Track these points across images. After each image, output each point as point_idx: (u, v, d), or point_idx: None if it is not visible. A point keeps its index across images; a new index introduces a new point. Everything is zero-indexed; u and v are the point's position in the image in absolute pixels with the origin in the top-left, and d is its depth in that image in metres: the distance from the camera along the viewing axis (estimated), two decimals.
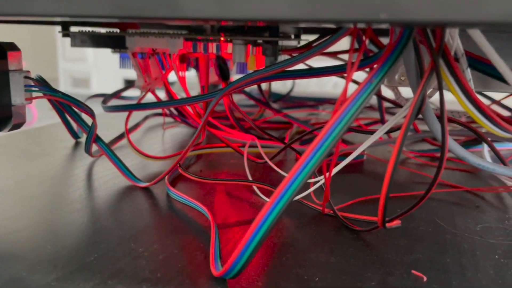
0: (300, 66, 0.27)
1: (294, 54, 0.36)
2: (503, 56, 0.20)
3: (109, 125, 0.53)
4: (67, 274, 0.21)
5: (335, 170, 0.27)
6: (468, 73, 0.22)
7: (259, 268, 0.22)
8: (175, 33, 0.37)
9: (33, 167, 0.37)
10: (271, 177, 0.36)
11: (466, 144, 0.44)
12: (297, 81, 0.77)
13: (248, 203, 0.31)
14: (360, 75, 0.40)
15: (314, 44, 0.33)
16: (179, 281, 0.20)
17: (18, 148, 0.44)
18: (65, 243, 0.24)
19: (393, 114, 0.57)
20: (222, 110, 0.57)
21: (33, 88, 0.30)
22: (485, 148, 0.38)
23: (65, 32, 0.39)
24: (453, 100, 0.21)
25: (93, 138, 0.34)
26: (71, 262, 0.22)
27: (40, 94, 0.31)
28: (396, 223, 0.25)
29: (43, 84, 0.31)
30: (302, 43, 0.43)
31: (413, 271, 0.22)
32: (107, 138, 0.43)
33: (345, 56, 0.47)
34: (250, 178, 0.35)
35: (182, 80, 0.43)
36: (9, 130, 0.29)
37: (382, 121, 0.48)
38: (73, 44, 0.39)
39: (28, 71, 0.30)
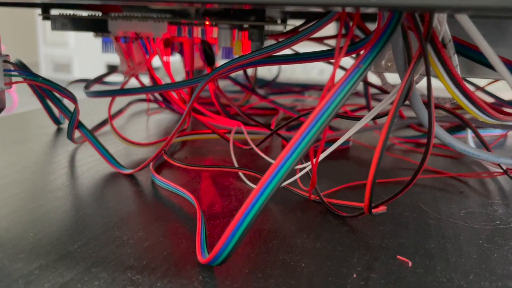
0: (287, 52, 0.27)
1: (280, 39, 0.36)
2: (489, 42, 0.20)
3: (91, 111, 0.52)
4: (49, 262, 0.20)
5: (321, 157, 0.27)
6: (455, 59, 0.22)
7: (246, 254, 0.22)
8: (159, 17, 0.36)
9: (13, 154, 0.36)
10: (257, 164, 0.36)
11: (451, 130, 0.45)
12: (283, 67, 0.76)
13: (234, 189, 0.31)
14: (348, 61, 0.39)
15: (301, 29, 0.33)
16: (164, 269, 0.20)
17: None
18: (48, 231, 0.23)
19: (379, 100, 0.57)
20: (207, 96, 0.56)
21: (13, 73, 0.29)
22: (469, 134, 0.39)
23: (45, 15, 0.38)
24: (437, 86, 0.21)
25: (76, 124, 0.33)
26: (54, 250, 0.21)
27: (20, 79, 0.30)
28: (382, 209, 0.25)
29: (23, 69, 0.30)
30: (289, 28, 0.42)
31: (398, 256, 0.22)
32: (90, 124, 0.42)
33: (332, 42, 0.47)
34: (236, 165, 0.34)
35: (166, 65, 0.42)
36: None
37: (368, 107, 0.48)
38: (54, 28, 0.38)
39: (7, 55, 0.29)
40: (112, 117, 0.45)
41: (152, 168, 0.32)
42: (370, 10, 0.18)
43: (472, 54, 0.23)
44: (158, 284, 0.19)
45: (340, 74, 0.19)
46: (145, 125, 0.49)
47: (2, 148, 0.38)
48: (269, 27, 0.36)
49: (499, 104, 0.46)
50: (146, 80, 0.51)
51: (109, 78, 0.51)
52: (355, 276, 0.20)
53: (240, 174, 0.33)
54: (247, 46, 0.35)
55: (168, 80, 0.45)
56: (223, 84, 0.71)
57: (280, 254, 0.22)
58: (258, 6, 0.28)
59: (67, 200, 0.28)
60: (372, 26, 0.26)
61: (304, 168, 0.29)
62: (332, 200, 0.28)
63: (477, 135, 0.32)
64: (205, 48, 0.42)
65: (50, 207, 0.26)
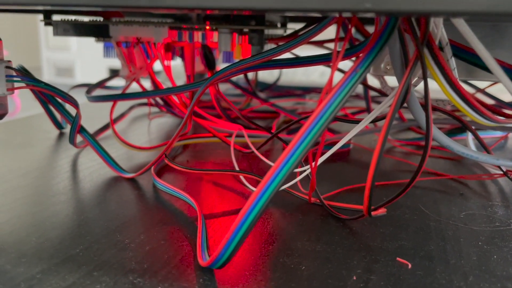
0: (287, 56, 0.27)
1: (280, 43, 0.36)
2: (487, 45, 0.20)
3: (93, 116, 0.52)
4: (52, 266, 0.21)
5: (321, 160, 0.27)
6: (453, 62, 0.22)
7: (246, 257, 0.22)
8: (160, 22, 0.37)
9: (16, 159, 0.37)
10: (258, 167, 0.36)
11: (451, 133, 0.45)
12: (284, 70, 0.76)
13: (235, 193, 0.31)
14: (347, 64, 0.40)
15: (300, 33, 0.33)
16: (166, 272, 0.20)
17: (0, 139, 0.43)
18: (50, 235, 0.24)
19: (379, 103, 0.57)
20: (208, 99, 0.57)
21: (15, 78, 0.30)
22: (469, 136, 0.39)
23: (47, 21, 0.38)
24: (438, 88, 0.21)
25: (78, 128, 0.33)
26: (56, 254, 0.22)
27: (22, 84, 0.31)
28: (382, 211, 0.25)
29: (25, 74, 0.30)
30: (289, 32, 0.43)
31: (398, 258, 0.22)
32: (91, 129, 0.42)
33: (332, 45, 0.47)
34: (237, 168, 0.35)
35: (167, 69, 0.42)
36: None
37: (368, 110, 0.48)
38: (56, 33, 0.38)
39: (10, 61, 0.30)
40: (113, 121, 0.45)
41: (154, 172, 0.32)
42: (367, 15, 0.18)
43: (469, 57, 0.23)
44: (159, 287, 0.19)
45: (339, 77, 0.19)
46: (147, 129, 0.49)
47: (5, 152, 0.39)
48: (269, 31, 0.37)
49: (499, 106, 0.47)
50: (147, 84, 0.51)
51: (111, 83, 0.51)
52: (355, 278, 0.20)
53: (241, 177, 0.33)
54: (247, 50, 0.36)
55: (169, 84, 0.45)
56: (224, 87, 0.71)
57: (281, 256, 0.22)
58: (257, 12, 0.29)
59: (69, 204, 0.28)
60: (372, 30, 0.26)
61: (304, 171, 0.29)
62: (333, 203, 0.28)
63: (477, 137, 0.32)
64: (206, 52, 0.42)
65: (53, 211, 0.27)
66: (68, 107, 0.34)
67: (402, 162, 0.39)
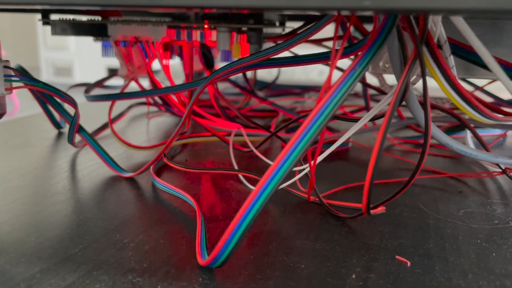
0: (285, 54, 0.27)
1: (279, 42, 0.36)
2: (485, 43, 0.20)
3: (92, 115, 0.52)
4: (51, 266, 0.21)
5: (320, 158, 0.27)
6: (451, 60, 0.22)
7: (245, 256, 0.22)
8: (158, 21, 0.37)
9: (15, 159, 0.37)
10: (257, 166, 0.36)
11: (450, 130, 0.45)
12: (283, 68, 0.77)
13: (234, 192, 0.31)
14: (346, 62, 0.40)
15: (299, 32, 0.33)
16: (165, 271, 0.20)
17: None
18: (49, 235, 0.24)
19: (378, 101, 0.57)
20: (207, 98, 0.57)
21: (13, 78, 0.30)
22: (468, 134, 0.39)
23: (45, 20, 0.38)
24: (437, 86, 0.21)
25: (76, 128, 0.33)
26: (55, 254, 0.22)
27: (20, 84, 0.30)
28: (381, 209, 0.25)
29: (23, 74, 0.30)
30: (287, 30, 0.42)
31: (397, 257, 0.22)
32: (90, 128, 0.42)
33: (331, 43, 0.47)
34: (235, 167, 0.35)
35: (166, 68, 0.42)
36: None
37: (367, 108, 0.48)
38: (54, 33, 0.38)
39: (8, 61, 0.30)
40: (112, 120, 0.45)
41: (153, 171, 0.32)
42: (366, 13, 0.18)
43: (468, 55, 0.23)
44: (159, 287, 0.19)
45: (338, 75, 0.19)
46: (145, 128, 0.49)
47: (3, 152, 0.38)
48: (268, 30, 0.37)
49: (498, 104, 0.47)
50: (146, 83, 0.51)
51: (109, 82, 0.51)
52: (354, 276, 0.20)
53: (240, 176, 0.33)
54: (246, 49, 0.35)
55: (167, 84, 0.45)
56: (223, 86, 0.71)
57: (280, 255, 0.22)
58: (255, 10, 0.29)
59: (68, 204, 0.28)
60: (371, 28, 0.26)
61: (303, 169, 0.29)
62: (331, 201, 0.28)
63: (475, 135, 0.32)
64: (204, 51, 0.42)
65: (52, 211, 0.27)
66: (66, 106, 0.34)
67: (401, 160, 0.39)
